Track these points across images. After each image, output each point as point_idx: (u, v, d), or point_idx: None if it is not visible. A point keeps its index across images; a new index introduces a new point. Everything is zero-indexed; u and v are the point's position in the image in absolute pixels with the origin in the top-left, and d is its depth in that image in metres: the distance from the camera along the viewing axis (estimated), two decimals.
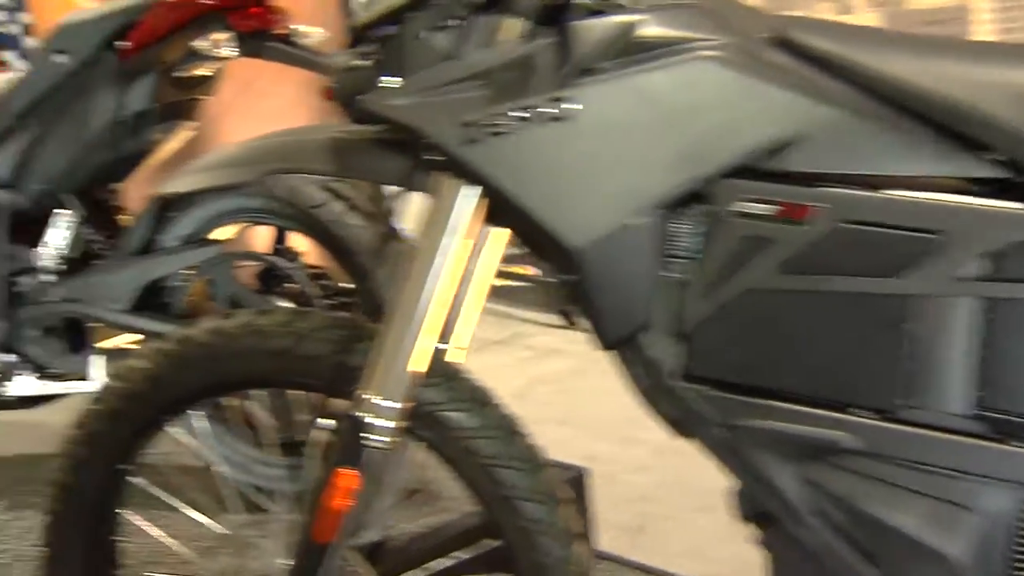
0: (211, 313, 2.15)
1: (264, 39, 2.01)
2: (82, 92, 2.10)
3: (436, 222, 1.04)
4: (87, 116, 2.12)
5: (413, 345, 1.06)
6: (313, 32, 2.07)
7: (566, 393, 2.92)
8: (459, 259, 1.05)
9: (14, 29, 3.53)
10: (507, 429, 1.14)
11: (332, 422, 1.13)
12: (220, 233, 2.17)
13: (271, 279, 2.15)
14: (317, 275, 2.13)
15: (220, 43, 1.97)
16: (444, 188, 1.03)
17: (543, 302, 3.52)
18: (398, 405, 1.07)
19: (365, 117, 1.05)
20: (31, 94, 2.15)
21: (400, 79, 1.01)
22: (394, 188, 2.01)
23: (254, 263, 2.14)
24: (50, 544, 1.30)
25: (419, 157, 1.03)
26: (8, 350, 2.26)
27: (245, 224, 2.18)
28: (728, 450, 0.98)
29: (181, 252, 2.11)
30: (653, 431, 1.08)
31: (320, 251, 2.12)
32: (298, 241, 2.18)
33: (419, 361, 1.07)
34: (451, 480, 1.17)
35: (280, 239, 2.17)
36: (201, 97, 2.23)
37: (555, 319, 3.43)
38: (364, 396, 1.07)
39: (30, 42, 3.48)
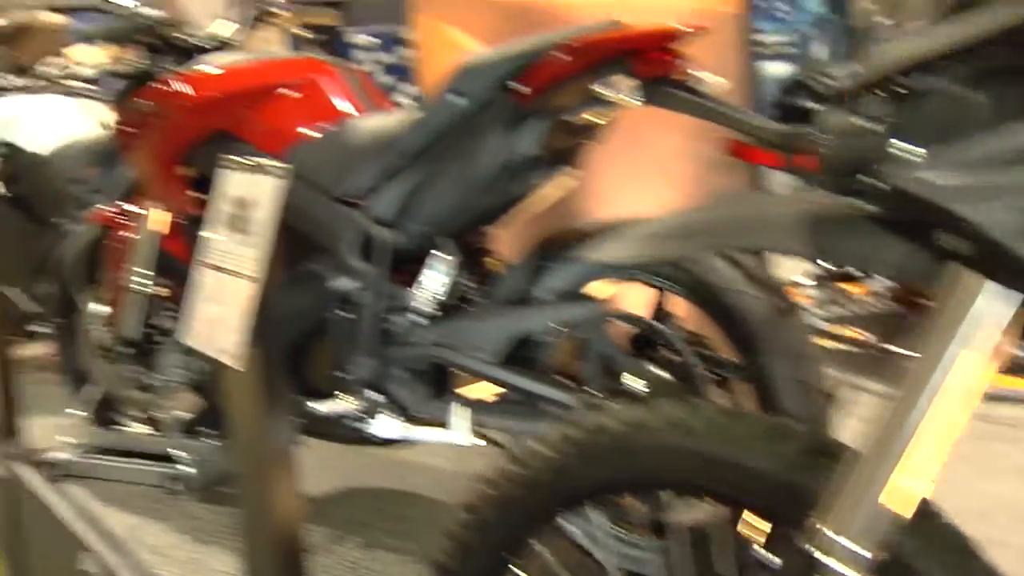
0: (580, 373, 2.01)
1: (667, 86, 1.85)
2: (473, 134, 2.03)
3: (948, 328, 0.81)
4: (476, 159, 2.04)
5: (891, 477, 0.84)
6: (714, 81, 1.89)
7: None
8: (971, 378, 0.82)
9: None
10: None
11: (761, 548, 0.92)
12: (596, 290, 2.03)
13: (645, 343, 1.98)
14: (696, 343, 1.93)
15: (622, 89, 1.82)
16: (968, 287, 0.80)
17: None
18: (867, 553, 0.84)
19: (868, 192, 0.83)
20: (424, 135, 2.10)
21: (920, 148, 0.80)
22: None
23: (630, 325, 1.97)
24: None
25: (935, 245, 0.80)
26: (374, 388, 2.22)
27: (623, 282, 2.02)
28: None
29: (557, 307, 1.99)
30: None
31: (702, 318, 1.93)
32: (675, 304, 2.00)
33: (899, 499, 0.85)
34: None
35: (660, 301, 1.99)
36: (588, 144, 2.10)
37: None
38: (821, 529, 0.86)
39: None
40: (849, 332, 3.08)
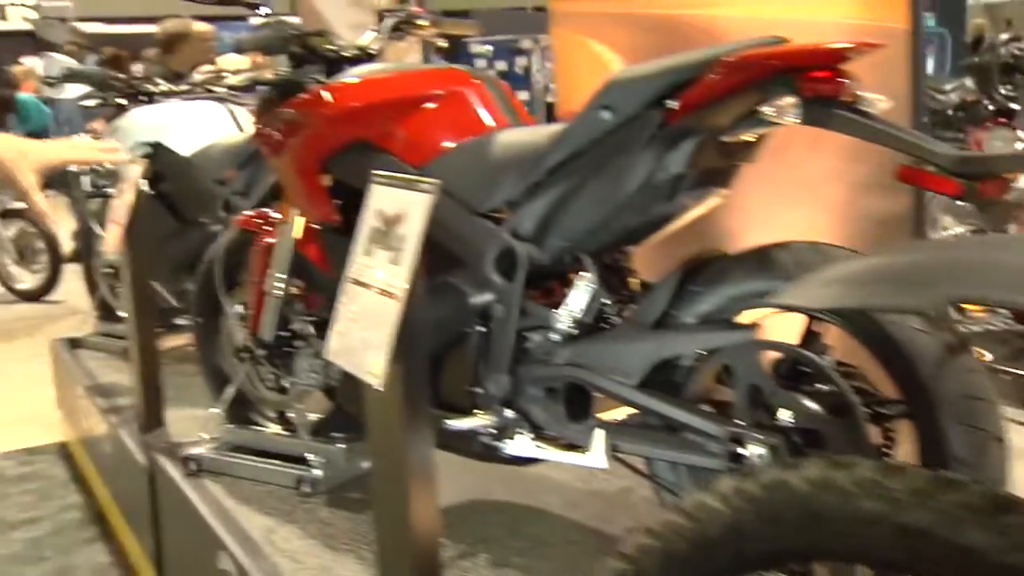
0: (724, 401, 1.89)
1: (832, 106, 1.71)
2: (621, 151, 1.93)
3: None
4: (622, 176, 1.94)
5: None
6: (878, 100, 1.74)
7: None
8: None
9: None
10: None
11: None
12: (743, 315, 1.91)
13: (794, 373, 1.84)
14: (851, 375, 1.79)
15: (784, 108, 1.69)
16: None
17: None
18: None
19: None
20: (569, 150, 2.01)
21: None
22: None
23: (780, 354, 1.84)
24: None
25: None
26: (509, 405, 2.14)
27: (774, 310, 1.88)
28: None
29: (705, 333, 1.87)
30: None
31: (855, 347, 1.79)
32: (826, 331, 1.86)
33: None
34: None
35: (810, 328, 1.85)
36: (740, 164, 1.98)
37: None
38: None
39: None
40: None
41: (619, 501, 2.54)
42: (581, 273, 2.04)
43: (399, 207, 1.58)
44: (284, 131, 2.48)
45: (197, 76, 4.99)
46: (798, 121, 1.71)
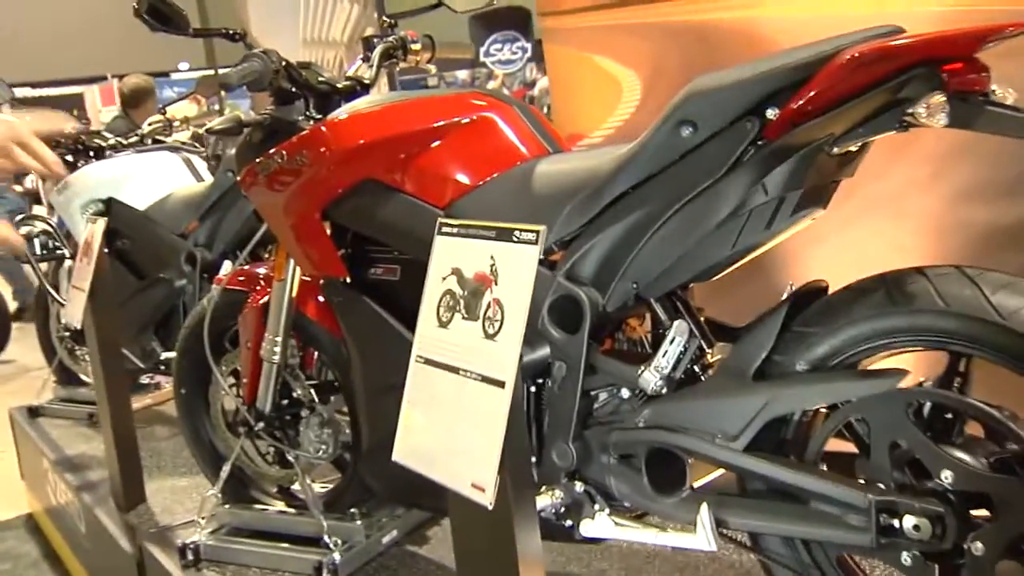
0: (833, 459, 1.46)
1: (977, 102, 1.29)
2: (706, 173, 1.49)
3: None
4: (709, 203, 1.50)
5: None
6: (1010, 92, 1.33)
7: None
8: None
9: None
10: None
11: None
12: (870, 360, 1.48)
13: (936, 424, 1.42)
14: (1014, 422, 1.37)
15: (935, 107, 1.27)
16: None
17: None
18: None
19: None
20: (637, 175, 1.56)
21: None
22: None
23: (933, 404, 1.41)
24: None
25: None
26: (580, 478, 1.68)
27: (906, 350, 1.46)
28: None
29: (838, 382, 1.43)
30: None
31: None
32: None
33: None
34: None
35: (955, 368, 1.43)
36: (840, 180, 1.55)
37: None
38: None
39: None
40: None
41: (683, 563, 2.09)
42: (676, 321, 1.59)
43: (484, 263, 1.11)
44: (277, 176, 1.99)
45: (146, 127, 4.44)
46: (945, 123, 1.28)
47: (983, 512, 1.36)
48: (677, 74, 2.16)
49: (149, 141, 4.35)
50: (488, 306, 1.09)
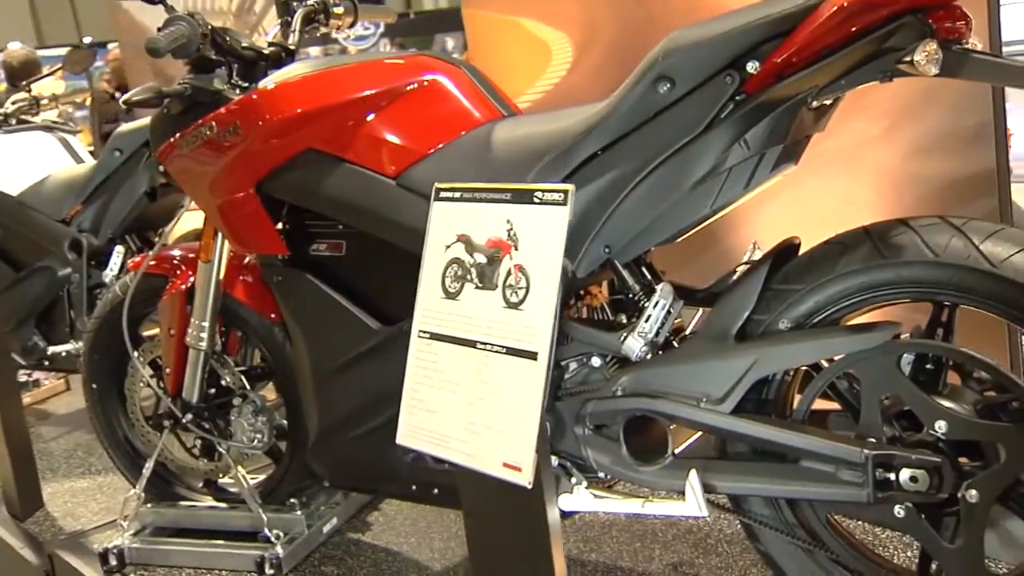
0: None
1: (964, 50, 1.28)
2: (683, 130, 1.44)
3: None
4: (686, 162, 1.45)
5: None
6: (975, 41, 1.33)
7: None
8: None
9: None
10: None
11: None
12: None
13: (924, 376, 1.41)
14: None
15: (929, 55, 1.25)
16: None
17: None
18: None
19: None
20: (609, 135, 1.49)
21: None
22: None
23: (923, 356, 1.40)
24: None
25: None
26: (554, 452, 1.61)
27: (893, 303, 1.44)
28: None
29: (826, 339, 1.40)
30: None
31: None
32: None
33: None
34: None
35: (938, 318, 1.42)
36: (812, 135, 1.53)
37: None
38: None
39: None
40: None
41: (641, 531, 2.06)
42: (661, 284, 1.53)
43: (500, 228, 1.03)
44: (205, 150, 1.84)
45: (10, 106, 4.09)
46: (932, 71, 1.27)
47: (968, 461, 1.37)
48: (612, 35, 2.10)
49: (14, 121, 4.02)
50: (508, 273, 1.01)
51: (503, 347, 1.00)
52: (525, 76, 2.39)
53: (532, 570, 1.06)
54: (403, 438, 1.13)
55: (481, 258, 1.05)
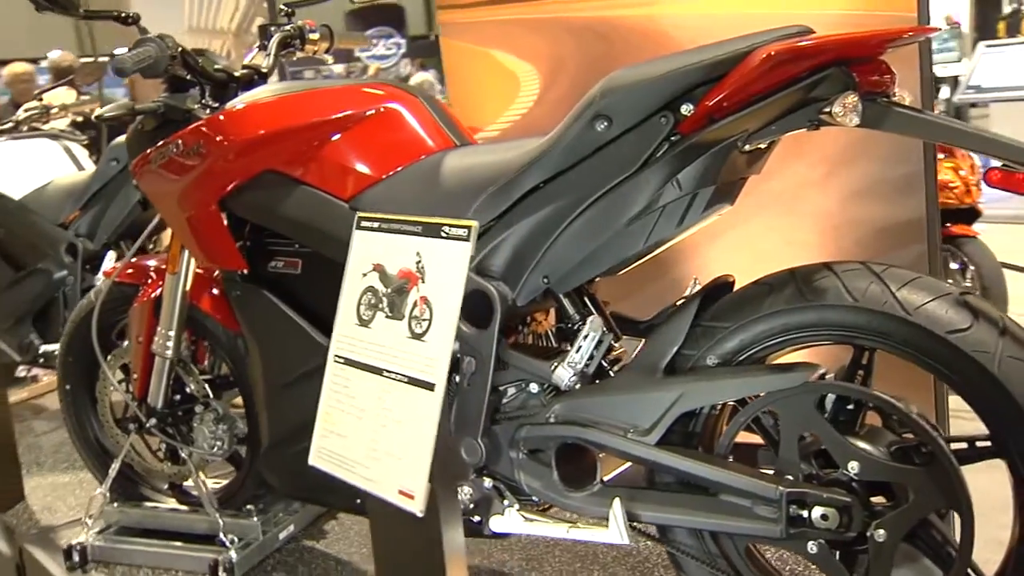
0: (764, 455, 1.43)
1: (885, 103, 1.27)
2: (619, 168, 1.42)
3: None
4: (622, 199, 1.43)
5: None
6: (905, 95, 1.32)
7: None
8: None
9: None
10: None
11: None
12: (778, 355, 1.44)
13: (843, 417, 1.39)
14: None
15: (849, 107, 1.23)
16: None
17: None
18: None
19: None
20: (549, 169, 1.48)
21: None
22: None
23: (839, 396, 1.38)
24: None
25: None
26: (488, 474, 1.59)
27: (815, 344, 1.42)
28: None
29: (749, 377, 1.39)
30: None
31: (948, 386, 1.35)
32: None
33: None
34: None
35: (859, 361, 1.40)
36: (748, 177, 1.51)
37: None
38: None
39: None
40: None
41: (583, 552, 2.03)
42: (590, 317, 1.51)
43: (410, 260, 1.01)
44: (173, 166, 1.83)
45: (22, 113, 4.11)
46: (856, 123, 1.25)
47: (881, 500, 1.35)
48: (576, 69, 2.09)
49: (24, 128, 4.04)
50: (415, 304, 0.99)
51: (405, 376, 0.98)
52: (496, 105, 2.38)
53: None
54: (314, 459, 1.11)
55: (392, 288, 1.03)
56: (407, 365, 0.98)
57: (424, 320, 0.99)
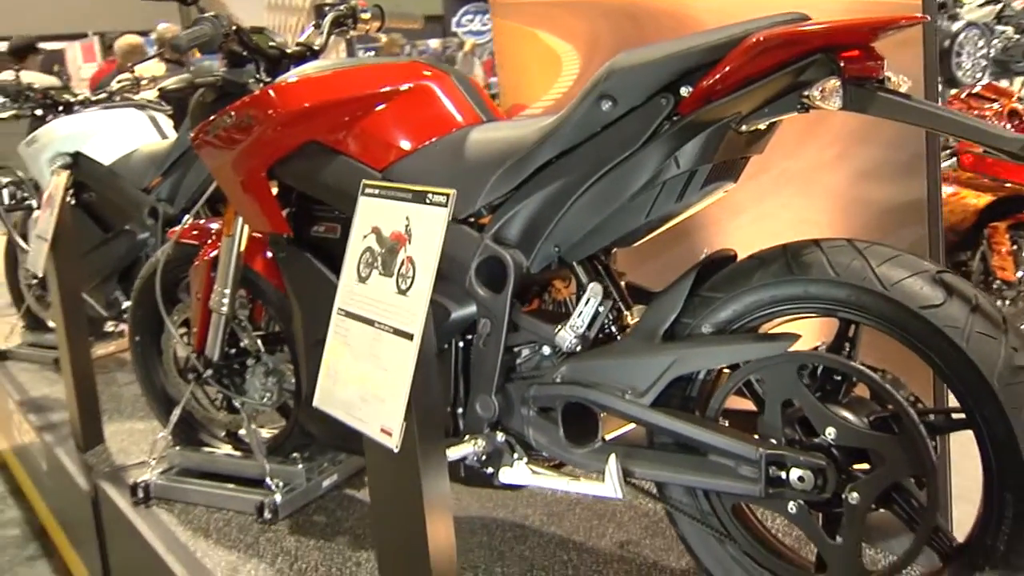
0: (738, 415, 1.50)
1: (872, 88, 1.31)
2: (623, 145, 1.50)
3: None
4: (625, 174, 1.51)
5: None
6: (904, 81, 1.36)
7: None
8: None
9: None
10: None
11: None
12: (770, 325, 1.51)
13: (826, 385, 1.45)
14: (893, 383, 1.40)
15: (829, 91, 1.29)
16: None
17: None
18: None
19: None
20: (561, 145, 1.57)
21: None
22: None
23: (819, 367, 1.44)
24: None
25: None
26: (501, 429, 1.70)
27: (802, 316, 1.48)
28: None
29: (734, 345, 1.46)
30: None
31: (917, 359, 1.40)
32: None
33: None
34: None
35: (845, 334, 1.46)
36: (750, 156, 1.57)
37: None
38: None
39: None
40: None
41: (603, 510, 2.13)
42: (591, 284, 1.61)
43: (400, 223, 1.12)
44: (226, 136, 1.97)
45: (115, 84, 4.35)
46: (839, 106, 1.31)
47: (864, 466, 1.40)
48: (610, 50, 2.15)
49: (117, 99, 4.27)
50: (402, 263, 1.10)
51: (391, 327, 1.09)
52: (541, 84, 2.47)
53: (408, 529, 1.16)
54: (319, 402, 1.23)
55: (386, 248, 1.14)
56: (393, 317, 1.09)
57: (408, 277, 1.09)
